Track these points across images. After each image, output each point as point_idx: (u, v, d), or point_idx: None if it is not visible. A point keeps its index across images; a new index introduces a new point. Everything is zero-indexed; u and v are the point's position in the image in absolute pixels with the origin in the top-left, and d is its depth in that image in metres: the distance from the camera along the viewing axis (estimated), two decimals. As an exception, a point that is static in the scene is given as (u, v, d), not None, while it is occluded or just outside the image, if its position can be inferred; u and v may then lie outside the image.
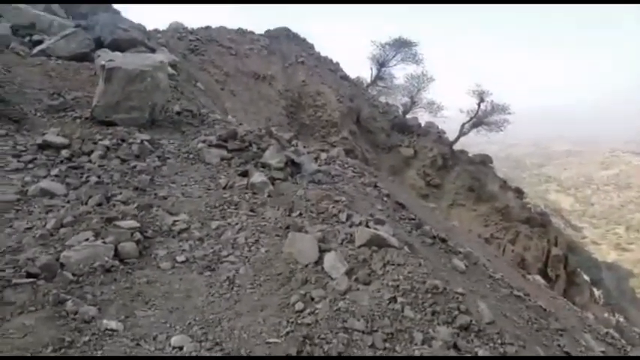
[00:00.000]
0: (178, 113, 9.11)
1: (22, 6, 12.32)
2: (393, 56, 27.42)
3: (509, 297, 5.61)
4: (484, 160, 25.88)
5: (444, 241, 6.28)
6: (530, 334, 4.78)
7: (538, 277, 11.78)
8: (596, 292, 28.46)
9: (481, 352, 3.57)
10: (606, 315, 24.09)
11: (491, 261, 8.12)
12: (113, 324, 3.33)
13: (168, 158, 7.04)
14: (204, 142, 7.62)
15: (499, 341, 3.88)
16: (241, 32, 22.66)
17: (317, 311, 3.69)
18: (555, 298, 8.78)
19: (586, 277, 27.69)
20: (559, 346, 4.86)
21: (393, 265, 4.37)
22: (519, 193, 26.18)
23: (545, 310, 5.81)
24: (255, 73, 19.40)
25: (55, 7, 14.31)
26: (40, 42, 11.00)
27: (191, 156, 7.23)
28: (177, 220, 5.14)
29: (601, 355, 5.60)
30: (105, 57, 8.24)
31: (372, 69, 28.39)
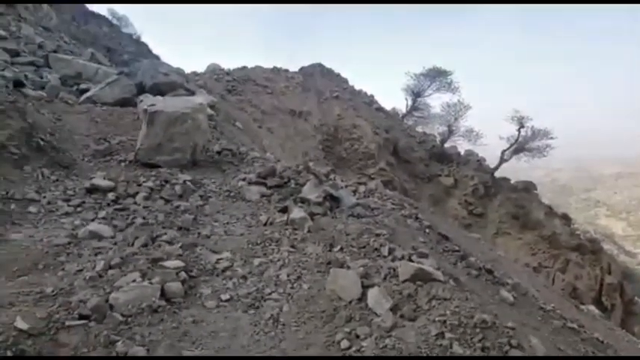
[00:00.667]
0: (218, 153, 9.40)
1: (69, 57, 13.27)
2: (428, 86, 27.47)
3: (562, 329, 5.35)
4: (527, 187, 25.11)
5: (490, 272, 6.10)
6: (588, 368, 4.52)
7: (592, 308, 11.08)
8: (657, 322, 26.49)
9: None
10: (672, 347, 22.32)
11: (541, 291, 7.78)
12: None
13: (210, 197, 7.23)
14: (244, 179, 7.80)
15: (555, 378, 3.66)
16: (276, 70, 23.45)
17: (363, 349, 3.61)
18: (613, 329, 8.29)
19: (645, 306, 25.89)
20: (620, 380, 4.56)
21: (439, 299, 4.25)
22: (567, 219, 25.11)
23: (602, 342, 5.52)
24: (291, 110, 19.89)
25: (99, 55, 15.34)
26: (86, 90, 11.76)
27: (232, 194, 7.39)
28: (221, 259, 5.22)
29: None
30: (147, 101, 8.69)
31: (407, 99, 28.52)
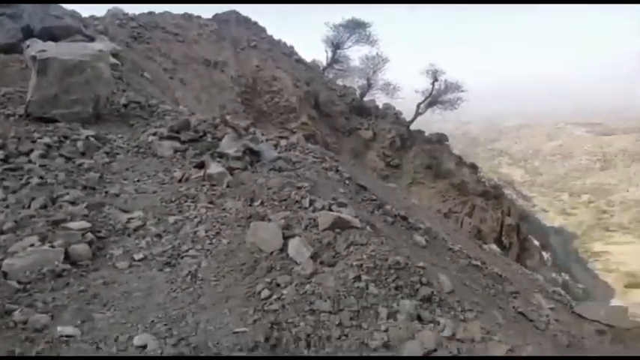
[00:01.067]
0: (125, 105, 8.76)
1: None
2: (348, 37, 27.34)
3: (467, 267, 5.85)
4: (440, 139, 26.55)
5: (404, 218, 6.43)
6: (488, 299, 5.01)
7: (494, 246, 12.26)
8: (545, 255, 30.22)
9: (443, 321, 3.69)
10: (554, 275, 25.67)
11: (450, 234, 8.40)
12: (69, 330, 3.16)
13: (118, 154, 6.77)
14: (154, 134, 7.36)
15: (459, 309, 4.05)
16: (187, 17, 21.90)
17: (283, 297, 3.67)
18: (509, 264, 9.24)
19: (536, 243, 29.31)
20: (514, 307, 5.13)
21: (357, 245, 4.42)
22: (474, 168, 27.11)
23: (500, 276, 6.13)
24: (205, 60, 18.88)
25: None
26: (-40, 36, 10.23)
27: (142, 150, 6.97)
28: (132, 218, 4.96)
29: (549, 310, 5.93)
30: (36, 47, 7.75)
31: (327, 52, 28.25)
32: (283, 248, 4.32)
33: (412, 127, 25.94)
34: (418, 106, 25.85)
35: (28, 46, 8.24)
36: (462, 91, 25.53)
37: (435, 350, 3.40)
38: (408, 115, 26.23)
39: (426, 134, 26.35)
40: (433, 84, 25.44)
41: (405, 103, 26.32)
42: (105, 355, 2.91)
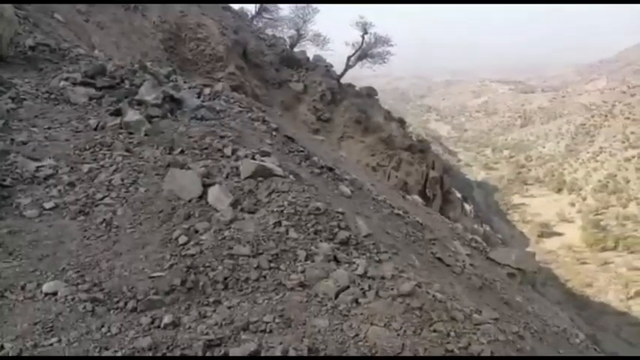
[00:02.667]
0: (32, 48, 8.01)
1: None
2: (278, -16, 26.38)
3: (390, 215, 6.16)
4: (370, 93, 26.91)
5: (331, 170, 6.55)
6: (407, 244, 5.35)
7: (417, 197, 12.90)
8: (467, 207, 32.39)
9: (358, 262, 3.91)
10: (475, 226, 27.66)
11: (376, 186, 8.70)
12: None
13: (25, 99, 6.25)
14: (67, 79, 6.85)
15: (375, 251, 4.29)
16: (104, -46, 20.00)
17: (201, 242, 3.72)
18: (431, 214, 9.79)
19: (458, 195, 31.26)
20: (432, 253, 5.53)
21: (278, 192, 4.51)
22: (402, 123, 27.96)
23: (421, 224, 6.50)
24: (124, 3, 17.48)
25: None
26: None
27: (52, 96, 6.50)
28: (42, 166, 4.70)
29: (466, 256, 6.49)
30: None
31: (255, -1, 27.14)
32: (202, 196, 4.32)
33: (343, 80, 26.01)
34: (348, 58, 25.83)
35: None
36: (391, 45, 25.78)
37: (348, 287, 3.58)
38: (338, 69, 26.21)
39: (357, 88, 26.57)
40: (363, 37, 25.44)
41: (336, 56, 26.21)
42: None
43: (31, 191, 4.27)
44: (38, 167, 4.65)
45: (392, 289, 3.59)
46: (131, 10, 17.45)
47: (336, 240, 4.23)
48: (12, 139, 5.16)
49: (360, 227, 4.66)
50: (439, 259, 5.53)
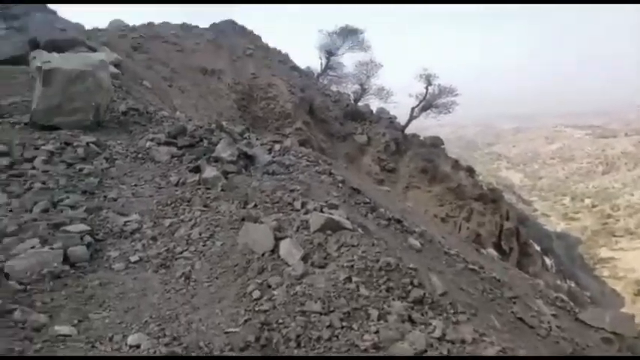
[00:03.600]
0: (124, 113, 8.87)
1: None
2: (342, 44, 27.55)
3: (464, 271, 5.83)
4: (435, 142, 26.58)
5: (399, 221, 6.43)
6: (484, 303, 5.00)
7: (492, 251, 12.25)
8: (548, 261, 30.04)
9: (435, 323, 3.71)
10: (558, 282, 25.51)
11: (447, 238, 8.40)
12: (66, 329, 3.25)
13: (117, 159, 6.87)
14: (152, 140, 7.47)
15: (452, 311, 4.05)
16: (186, 27, 22.18)
17: (274, 297, 3.74)
18: (508, 269, 9.18)
19: (537, 248, 29.12)
20: (512, 312, 5.12)
21: (348, 246, 4.46)
22: (471, 171, 27.08)
23: (498, 280, 6.08)
24: (203, 68, 19.04)
25: (-18, 9, 13.47)
26: (-32, 46, 10.37)
27: (140, 155, 7.08)
28: (129, 221, 5.06)
29: (551, 317, 5.95)
30: (41, 58, 7.87)
31: (321, 58, 28.45)
32: (275, 249, 4.39)
33: (407, 131, 26.03)
34: (412, 110, 25.95)
35: (34, 58, 8.38)
36: (456, 94, 25.66)
37: (425, 351, 3.41)
38: (402, 120, 26.34)
39: (421, 138, 26.41)
40: (427, 88, 25.57)
41: (399, 107, 26.44)
42: (106, 356, 2.97)
43: (119, 245, 4.59)
44: (126, 222, 5.01)
45: (474, 354, 3.35)
46: (208, 74, 18.93)
47: (409, 298, 4.06)
48: (105, 196, 5.64)
49: (434, 285, 4.46)
50: (521, 319, 5.10)
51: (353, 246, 4.49)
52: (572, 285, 29.92)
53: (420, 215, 11.42)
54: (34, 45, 11.08)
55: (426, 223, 8.95)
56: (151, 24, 20.81)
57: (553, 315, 5.94)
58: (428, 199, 21.98)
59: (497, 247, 21.60)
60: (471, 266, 6.13)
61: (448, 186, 23.23)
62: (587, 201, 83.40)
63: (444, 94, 25.38)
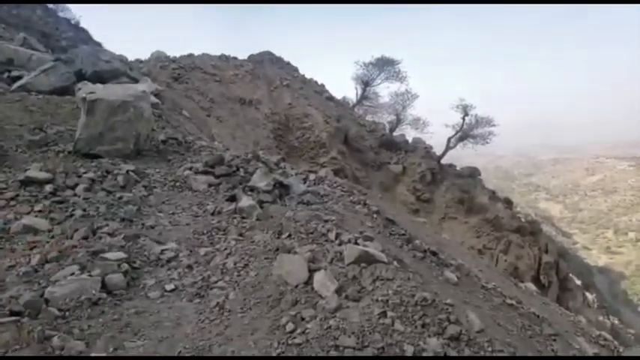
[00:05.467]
0: (164, 142, 9.15)
1: (-2, 42, 12.38)
2: (377, 75, 27.88)
3: (502, 305, 5.62)
4: (472, 173, 26.15)
5: (434, 254, 6.29)
6: (523, 340, 4.79)
7: (530, 285, 11.75)
8: (589, 296, 28.54)
9: (473, 362, 3.55)
10: (601, 318, 24.15)
11: (484, 272, 8.15)
12: (104, 356, 3.27)
13: (155, 187, 7.04)
14: (190, 169, 7.65)
15: (489, 349, 3.88)
16: (224, 58, 23.00)
17: (308, 331, 3.66)
18: (548, 304, 8.80)
19: (578, 282, 27.79)
20: (552, 350, 4.88)
21: (382, 280, 4.36)
22: (509, 203, 26.39)
23: (538, 316, 5.83)
24: (240, 98, 19.60)
25: (33, 41, 14.41)
26: (19, 77, 11.02)
27: (178, 184, 7.24)
28: (166, 249, 5.12)
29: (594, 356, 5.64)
30: (86, 89, 8.29)
31: (357, 89, 28.84)
32: (309, 281, 4.33)
33: (443, 161, 25.76)
34: (449, 140, 25.77)
35: (79, 89, 8.83)
36: (494, 125, 25.34)
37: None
38: (438, 150, 26.12)
39: (458, 168, 26.04)
40: (464, 119, 25.40)
41: (436, 137, 26.30)
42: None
43: (155, 273, 4.63)
44: (162, 250, 5.08)
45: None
46: (246, 104, 19.45)
47: (445, 335, 3.91)
48: (143, 224, 5.76)
49: (471, 321, 4.29)
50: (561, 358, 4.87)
51: (388, 280, 4.39)
52: (616, 322, 28.30)
53: (456, 247, 11.12)
54: (80, 76, 11.70)
55: (462, 256, 8.72)
56: (190, 55, 21.73)
57: (595, 353, 5.65)
58: (464, 231, 21.48)
59: (536, 281, 20.80)
60: (508, 301, 5.91)
61: (485, 217, 22.68)
62: (631, 234, 79.31)
63: (481, 124, 25.17)
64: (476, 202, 23.33)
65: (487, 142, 25.77)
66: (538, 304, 7.83)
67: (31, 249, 4.76)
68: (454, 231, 20.62)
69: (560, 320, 7.24)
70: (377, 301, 4.08)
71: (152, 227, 5.67)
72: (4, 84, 10.67)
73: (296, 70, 26.54)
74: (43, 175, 6.51)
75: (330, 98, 26.59)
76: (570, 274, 26.85)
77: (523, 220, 26.47)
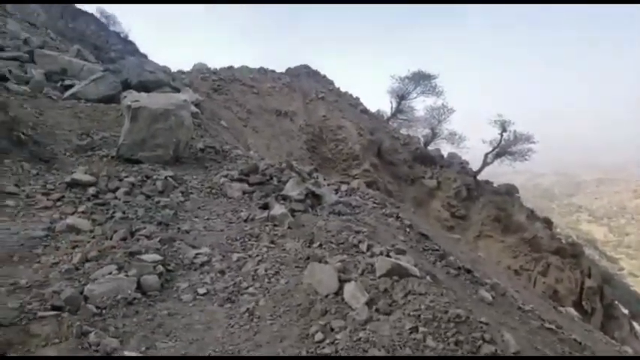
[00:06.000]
0: (202, 150, 9.39)
1: (54, 53, 13.10)
2: (413, 89, 27.70)
3: (540, 329, 5.40)
4: (510, 190, 25.44)
5: (469, 272, 6.17)
6: (563, 367, 4.58)
7: (571, 310, 11.23)
8: (637, 327, 26.95)
9: (508, 384, 3.41)
10: (650, 351, 22.72)
11: (521, 293, 7.89)
12: (134, 355, 3.34)
13: (192, 193, 7.21)
14: (226, 176, 7.80)
15: (527, 373, 3.71)
16: (263, 71, 23.50)
17: (337, 341, 3.63)
18: (591, 332, 8.39)
19: (625, 311, 26.31)
20: (596, 379, 4.64)
21: (415, 294, 4.28)
22: (548, 223, 25.46)
23: (579, 343, 5.57)
24: (276, 110, 19.92)
25: (86, 52, 15.18)
26: (71, 86, 11.62)
27: (214, 191, 7.39)
28: (200, 253, 5.22)
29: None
30: (131, 98, 8.64)
31: (391, 102, 28.72)
32: (339, 292, 4.30)
33: (479, 177, 25.19)
34: (486, 156, 25.23)
35: (124, 97, 9.22)
36: (533, 142, 24.63)
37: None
38: (474, 165, 25.58)
39: (495, 185, 25.40)
40: (502, 134, 24.83)
41: (472, 153, 25.80)
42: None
43: (188, 276, 4.72)
44: (196, 254, 5.17)
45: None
46: (282, 116, 19.75)
47: (479, 354, 3.78)
48: (178, 228, 5.90)
49: (507, 342, 4.13)
50: (607, 389, 4.61)
51: (420, 294, 4.30)
52: (666, 355, 26.45)
53: (491, 266, 10.81)
54: (126, 85, 12.24)
55: (498, 275, 8.48)
56: (230, 67, 22.33)
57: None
58: (500, 250, 20.85)
59: (578, 306, 19.85)
60: (547, 325, 5.67)
61: (523, 237, 21.95)
62: (685, 263, 74.84)
63: (519, 140, 24.51)
64: (513, 221, 22.64)
65: (526, 159, 25.05)
66: (580, 330, 7.48)
67: (73, 248, 4.94)
68: (490, 250, 20.07)
69: (605, 349, 6.90)
70: (408, 315, 4.00)
71: (187, 232, 5.79)
72: (58, 92, 11.27)
73: (331, 83, 26.78)
74: (87, 178, 6.80)
75: (365, 111, 26.59)
76: (616, 302, 25.50)
77: (563, 241, 25.46)
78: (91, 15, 25.16)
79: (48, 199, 6.19)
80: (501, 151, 24.92)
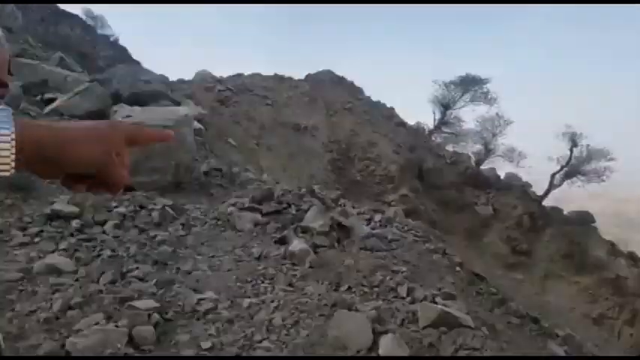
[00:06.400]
0: (206, 173, 9.54)
1: (34, 62, 13.59)
2: (460, 96, 27.54)
3: (630, 394, 5.24)
4: (584, 219, 24.87)
5: (535, 321, 6.18)
6: None
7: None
8: None
9: None
10: None
11: (601, 347, 7.70)
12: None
13: (194, 226, 7.29)
14: (234, 205, 7.87)
15: None
16: (278, 78, 23.82)
17: (372, 410, 3.57)
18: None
19: None
20: None
21: (468, 349, 4.25)
22: (635, 260, 24.72)
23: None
24: (294, 124, 20.11)
25: (70, 61, 15.72)
26: (52, 100, 11.98)
27: (220, 222, 7.47)
28: (203, 299, 5.23)
29: None
30: (122, 112, 8.88)
31: (434, 113, 28.60)
32: (373, 347, 4.27)
33: (546, 202, 24.74)
34: (552, 176, 24.83)
35: (115, 112, 9.48)
36: (611, 159, 24.13)
37: None
38: (539, 189, 25.15)
39: (565, 212, 24.89)
40: (572, 150, 24.43)
41: (536, 173, 25.38)
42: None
43: (190, 327, 4.73)
44: (199, 300, 5.19)
45: None
46: (301, 131, 19.93)
47: None
48: (178, 268, 5.95)
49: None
50: None
51: (475, 349, 4.25)
52: None
53: (563, 314, 10.56)
54: (117, 98, 12.55)
55: (572, 325, 8.30)
56: (239, 75, 22.74)
57: None
58: (575, 293, 20.27)
59: (678, 365, 19.02)
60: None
61: (603, 277, 21.34)
62: None
63: (594, 157, 24.05)
64: (590, 257, 22.09)
65: (603, 181, 24.53)
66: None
67: (53, 293, 5.02)
68: (561, 293, 19.56)
69: None
70: (460, 376, 3.93)
71: (188, 272, 5.84)
72: (37, 107, 11.65)
73: (360, 91, 26.88)
74: (70, 208, 6.94)
75: (402, 124, 26.57)
76: None
77: (655, 282, 24.67)
78: (76, 17, 26.07)
79: (24, 235, 6.32)
80: (572, 170, 24.49)
